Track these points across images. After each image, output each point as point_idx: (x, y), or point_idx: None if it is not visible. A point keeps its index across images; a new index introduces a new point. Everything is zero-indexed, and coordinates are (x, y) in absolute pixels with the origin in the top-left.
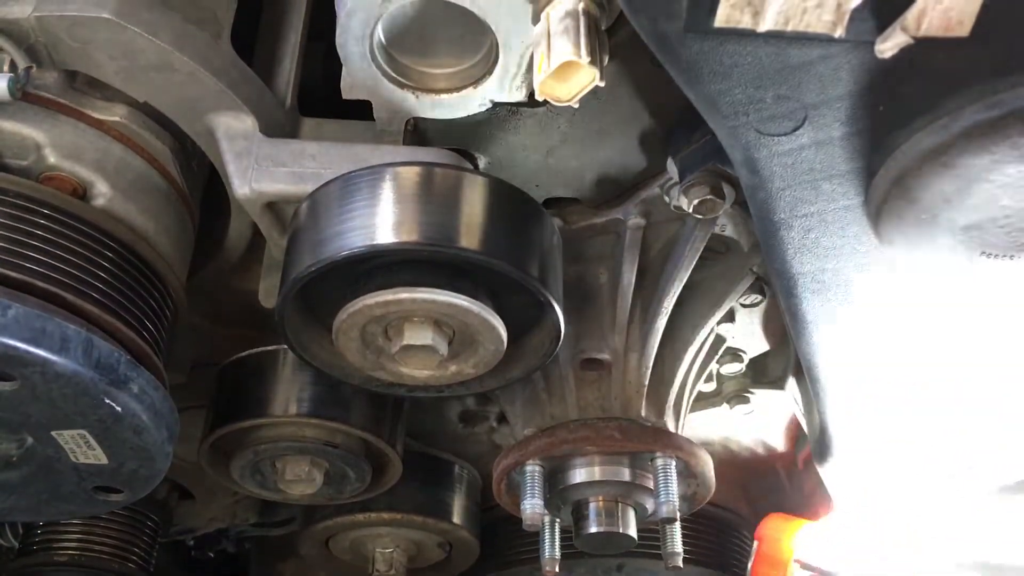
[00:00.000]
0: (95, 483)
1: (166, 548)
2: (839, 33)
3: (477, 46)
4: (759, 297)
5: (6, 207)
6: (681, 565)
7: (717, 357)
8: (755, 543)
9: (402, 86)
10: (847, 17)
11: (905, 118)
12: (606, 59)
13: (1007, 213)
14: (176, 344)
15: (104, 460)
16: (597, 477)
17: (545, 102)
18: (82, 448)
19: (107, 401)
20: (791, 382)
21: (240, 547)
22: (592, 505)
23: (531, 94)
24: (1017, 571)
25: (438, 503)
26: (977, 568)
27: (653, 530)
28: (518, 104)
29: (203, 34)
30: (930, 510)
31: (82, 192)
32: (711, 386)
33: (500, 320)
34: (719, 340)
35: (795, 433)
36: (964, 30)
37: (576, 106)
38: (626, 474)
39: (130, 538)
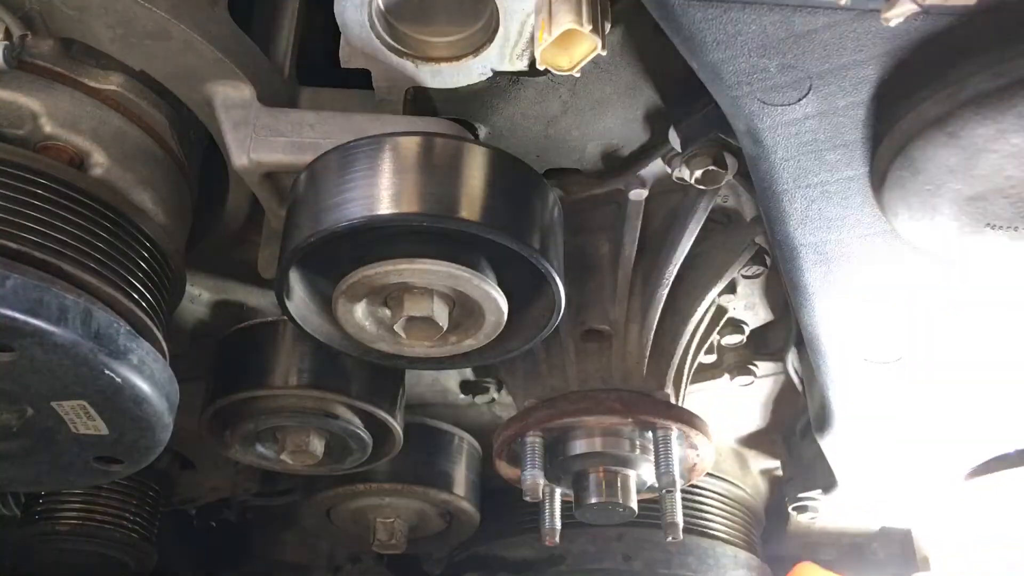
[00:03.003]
0: (95, 453)
1: (168, 518)
2: (845, 1)
3: (477, 14)
4: (761, 268)
5: (3, 177)
6: (681, 535)
7: (718, 328)
8: None
9: (401, 55)
10: None
11: (910, 88)
12: (608, 27)
13: (1012, 183)
14: (176, 314)
15: (104, 431)
16: (597, 448)
17: (546, 71)
18: (82, 419)
19: (106, 372)
20: (792, 353)
21: (242, 517)
22: (592, 476)
23: (532, 63)
24: None
25: (439, 474)
26: None
27: (653, 500)
28: (519, 73)
29: (200, 2)
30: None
31: (79, 162)
32: (712, 357)
33: (500, 291)
34: (720, 311)
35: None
36: None
37: (577, 75)
38: (626, 445)
39: (132, 508)
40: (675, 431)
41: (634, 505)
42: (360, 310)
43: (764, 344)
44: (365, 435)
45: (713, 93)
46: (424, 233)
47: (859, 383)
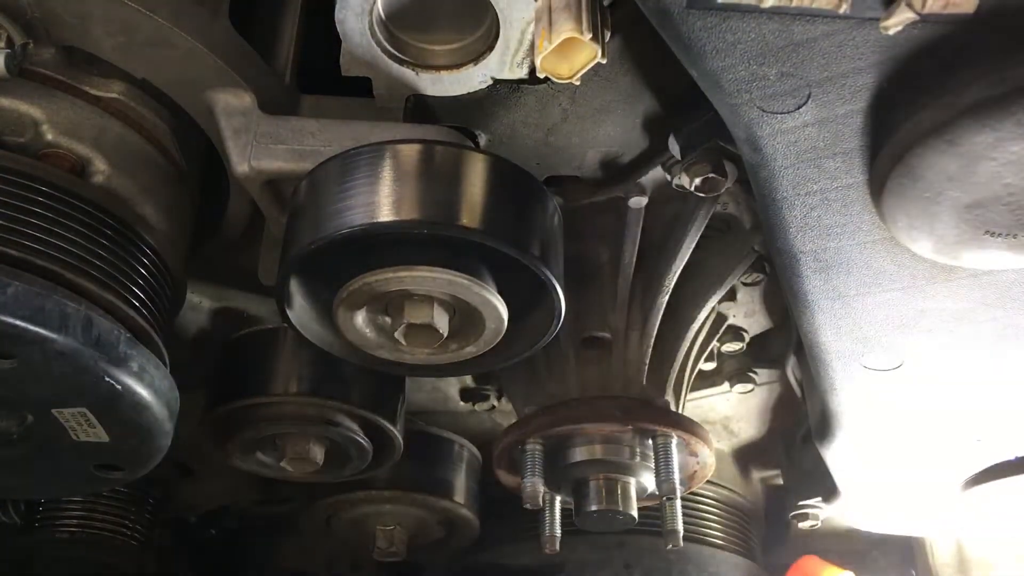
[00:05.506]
0: (96, 461)
1: (168, 525)
2: (844, 9)
3: (478, 22)
4: (760, 275)
5: (4, 184)
6: (681, 543)
7: (718, 336)
8: None
9: (402, 62)
10: None
11: (909, 95)
12: (608, 35)
13: (1011, 191)
14: (176, 322)
15: (104, 438)
16: (598, 455)
17: (546, 79)
18: (82, 426)
19: (107, 379)
20: (792, 361)
21: (242, 525)
22: (592, 483)
23: (532, 71)
24: None
25: (439, 481)
26: None
27: (654, 508)
28: (519, 81)
29: (201, 10)
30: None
31: (80, 169)
32: (712, 365)
33: (501, 299)
34: (720, 318)
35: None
36: (970, 7)
37: (578, 83)
38: (626, 452)
39: (131, 516)
40: (675, 438)
41: (634, 512)
42: (360, 317)
43: (764, 351)
44: (365, 442)
45: (712, 101)
46: (424, 240)
47: (859, 391)
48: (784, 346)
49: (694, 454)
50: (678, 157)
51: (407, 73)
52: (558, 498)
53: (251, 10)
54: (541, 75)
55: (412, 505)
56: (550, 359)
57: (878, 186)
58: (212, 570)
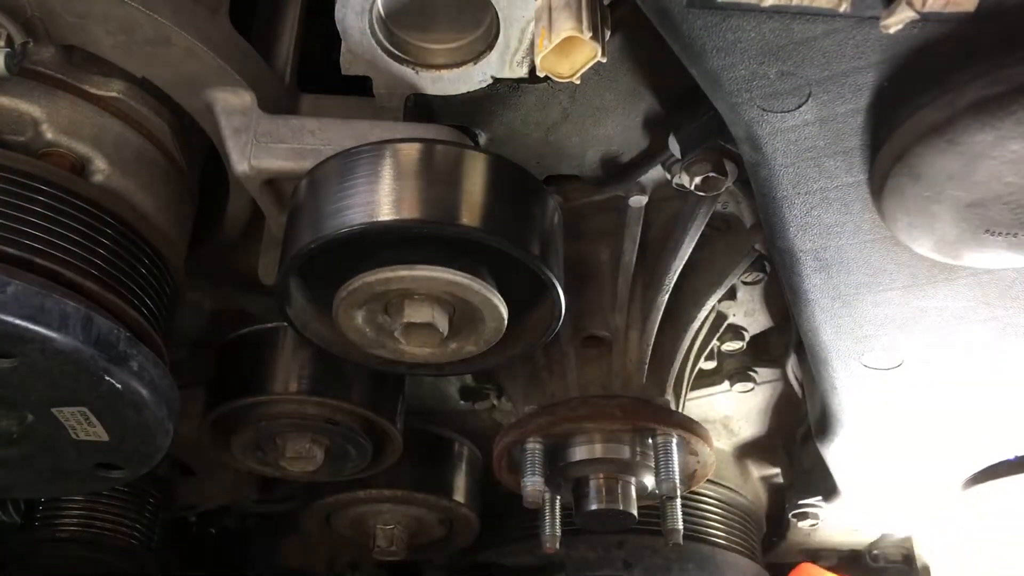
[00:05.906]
0: (96, 460)
1: (168, 525)
2: (844, 8)
3: (478, 21)
4: (760, 274)
5: (4, 183)
6: (681, 542)
7: (718, 335)
8: None
9: (402, 61)
10: None
11: (909, 94)
12: (608, 34)
13: (1012, 190)
14: (176, 321)
15: (104, 437)
16: (598, 454)
17: (546, 78)
18: (82, 425)
19: (107, 378)
20: (792, 360)
21: (242, 524)
22: (592, 482)
23: (532, 70)
24: None
25: (439, 480)
26: None
27: (654, 507)
28: (519, 80)
29: (201, 9)
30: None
31: (80, 168)
32: (712, 364)
33: (501, 298)
34: (720, 317)
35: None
36: (970, 6)
37: (578, 82)
38: (626, 451)
39: (132, 515)
40: (675, 437)
41: (634, 511)
42: (360, 316)
43: (764, 350)
44: (365, 442)
45: (712, 100)
46: (424, 239)
47: (859, 390)
48: (784, 345)
49: (694, 453)
50: (678, 156)
51: (407, 72)
52: (558, 497)
53: (251, 10)
54: (541, 74)
55: (412, 504)
56: (550, 358)
57: (878, 185)
58: (212, 570)
